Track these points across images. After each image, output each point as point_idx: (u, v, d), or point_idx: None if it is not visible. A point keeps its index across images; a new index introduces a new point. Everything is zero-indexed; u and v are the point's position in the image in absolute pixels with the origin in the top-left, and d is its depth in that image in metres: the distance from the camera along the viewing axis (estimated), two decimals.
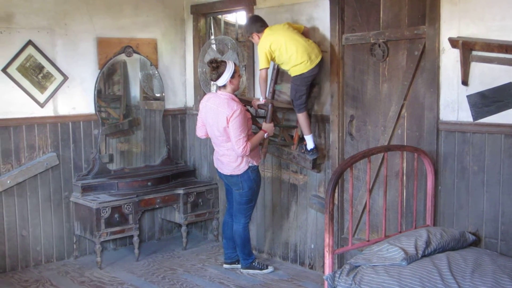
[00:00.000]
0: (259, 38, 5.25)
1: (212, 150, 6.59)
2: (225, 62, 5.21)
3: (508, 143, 4.15)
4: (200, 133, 5.55)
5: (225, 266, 5.83)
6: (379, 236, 4.81)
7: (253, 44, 5.84)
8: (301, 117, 5.30)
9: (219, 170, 5.50)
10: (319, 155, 5.45)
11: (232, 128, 5.08)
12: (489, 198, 4.29)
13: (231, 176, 5.37)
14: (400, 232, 4.51)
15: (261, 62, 5.17)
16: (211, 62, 5.22)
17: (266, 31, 5.24)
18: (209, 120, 5.28)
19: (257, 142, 5.30)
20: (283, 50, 5.10)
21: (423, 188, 4.66)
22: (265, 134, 5.32)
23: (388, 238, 4.26)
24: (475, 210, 4.38)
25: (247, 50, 6.12)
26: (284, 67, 5.24)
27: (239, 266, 5.75)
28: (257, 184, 5.48)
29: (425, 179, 4.62)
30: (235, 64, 5.23)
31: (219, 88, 5.30)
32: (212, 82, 6.07)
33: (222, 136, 5.21)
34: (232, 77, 5.18)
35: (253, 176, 5.38)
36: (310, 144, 5.39)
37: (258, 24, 5.28)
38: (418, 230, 4.20)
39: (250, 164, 5.32)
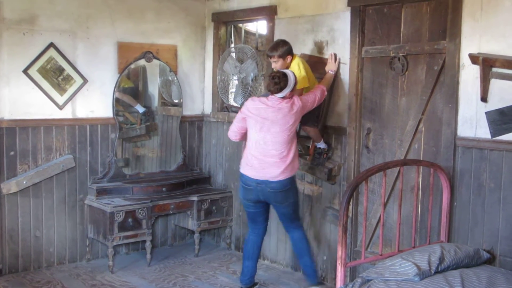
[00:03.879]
0: (290, 60, 5.22)
1: (228, 157, 6.61)
2: (286, 77, 4.87)
3: None
4: (234, 136, 5.24)
5: None
6: (392, 250, 4.77)
7: None
8: (316, 131, 5.39)
9: (270, 180, 4.97)
10: (328, 147, 5.51)
11: (308, 100, 5.01)
12: (505, 215, 4.24)
13: (281, 191, 4.99)
14: (414, 247, 4.48)
15: (304, 82, 5.17)
16: (273, 77, 4.88)
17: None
18: (271, 118, 4.93)
19: (329, 82, 5.31)
20: (308, 70, 5.26)
21: (438, 204, 4.62)
22: (331, 71, 5.31)
23: (401, 252, 4.23)
24: (490, 227, 4.33)
25: (266, 59, 6.12)
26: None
27: None
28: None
29: (440, 195, 4.59)
30: (295, 77, 4.96)
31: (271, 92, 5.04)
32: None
33: (286, 133, 4.92)
34: (292, 90, 4.94)
35: (295, 182, 5.19)
36: (322, 145, 5.49)
37: (291, 47, 5.22)
38: (432, 246, 4.16)
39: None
